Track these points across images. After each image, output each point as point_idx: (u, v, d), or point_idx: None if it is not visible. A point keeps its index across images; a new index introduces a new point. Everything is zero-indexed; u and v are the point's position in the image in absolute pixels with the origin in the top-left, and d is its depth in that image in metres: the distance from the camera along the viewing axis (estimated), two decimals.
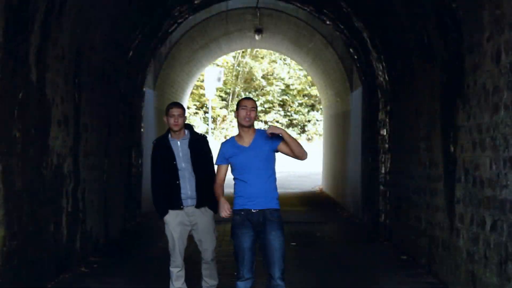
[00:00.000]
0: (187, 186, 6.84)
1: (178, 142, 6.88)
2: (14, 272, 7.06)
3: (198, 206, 6.88)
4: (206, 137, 7.18)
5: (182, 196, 6.83)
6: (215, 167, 6.37)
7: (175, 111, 6.83)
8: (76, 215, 9.52)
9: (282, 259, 6.08)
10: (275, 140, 6.14)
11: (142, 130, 14.79)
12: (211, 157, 6.96)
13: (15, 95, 7.07)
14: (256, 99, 43.03)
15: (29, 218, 7.53)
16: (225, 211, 6.08)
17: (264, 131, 6.22)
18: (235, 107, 6.48)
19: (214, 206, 6.86)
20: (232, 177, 6.25)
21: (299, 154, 6.13)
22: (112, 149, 11.77)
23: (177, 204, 6.85)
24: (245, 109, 6.13)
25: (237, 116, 6.18)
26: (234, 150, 6.15)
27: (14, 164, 7.06)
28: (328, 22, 14.73)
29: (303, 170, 30.34)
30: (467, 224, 7.53)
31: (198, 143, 6.93)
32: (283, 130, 6.10)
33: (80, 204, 9.77)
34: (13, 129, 7.02)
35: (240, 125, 6.18)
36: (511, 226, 6.26)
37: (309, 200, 20.30)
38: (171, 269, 6.95)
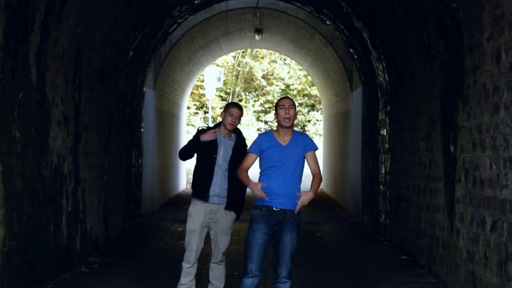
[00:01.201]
0: (217, 183, 6.95)
1: (222, 139, 7.02)
2: (14, 272, 7.06)
3: (227, 207, 6.98)
4: (247, 146, 7.28)
5: (210, 192, 6.94)
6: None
7: (235, 111, 6.95)
8: (76, 215, 9.52)
9: (291, 260, 6.21)
10: (308, 146, 6.27)
11: (142, 130, 14.78)
12: None
13: (15, 95, 7.07)
14: (256, 99, 43.04)
15: (29, 218, 7.53)
16: (258, 190, 6.10)
17: (302, 133, 6.39)
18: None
19: (238, 210, 7.10)
20: (259, 173, 6.31)
21: (315, 174, 6.44)
22: (112, 149, 11.77)
23: (204, 196, 6.96)
24: (283, 108, 6.21)
25: (276, 116, 6.25)
26: (271, 144, 6.22)
27: (14, 164, 7.05)
28: (328, 22, 14.72)
29: (303, 170, 30.27)
30: (467, 224, 7.53)
31: (241, 149, 7.02)
32: (309, 197, 6.31)
33: (80, 204, 9.76)
34: (13, 129, 7.01)
35: (280, 125, 6.25)
36: (511, 226, 6.25)
37: (309, 200, 20.26)
38: (182, 264, 7.06)
